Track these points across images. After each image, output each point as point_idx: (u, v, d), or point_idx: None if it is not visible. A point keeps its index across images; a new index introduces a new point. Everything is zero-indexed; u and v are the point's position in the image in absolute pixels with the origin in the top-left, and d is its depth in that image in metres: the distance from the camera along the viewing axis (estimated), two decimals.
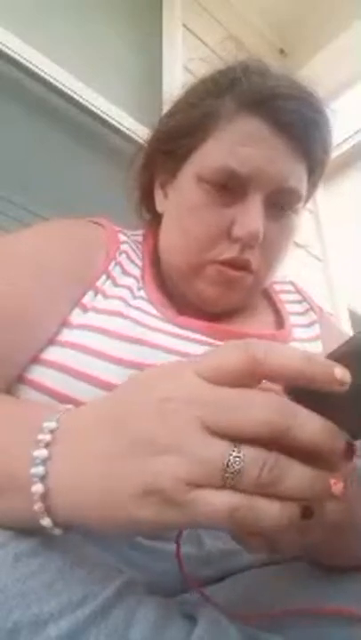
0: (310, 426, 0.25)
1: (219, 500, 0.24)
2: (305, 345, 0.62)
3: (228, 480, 0.24)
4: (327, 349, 0.63)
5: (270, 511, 0.24)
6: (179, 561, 0.37)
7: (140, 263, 0.62)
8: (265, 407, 0.24)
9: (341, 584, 0.35)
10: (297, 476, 0.24)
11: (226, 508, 0.24)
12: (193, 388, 0.26)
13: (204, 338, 0.54)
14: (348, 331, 1.69)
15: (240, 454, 0.24)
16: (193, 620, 0.31)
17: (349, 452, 0.26)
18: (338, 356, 0.26)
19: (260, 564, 0.44)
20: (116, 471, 0.26)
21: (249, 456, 0.24)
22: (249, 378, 0.25)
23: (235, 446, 0.24)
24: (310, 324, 0.66)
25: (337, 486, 0.25)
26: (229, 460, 0.24)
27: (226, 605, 0.34)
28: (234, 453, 0.24)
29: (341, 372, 0.25)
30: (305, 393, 0.26)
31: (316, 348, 0.62)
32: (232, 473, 0.24)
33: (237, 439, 0.24)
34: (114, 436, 0.27)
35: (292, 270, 0.74)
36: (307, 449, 0.25)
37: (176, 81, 1.51)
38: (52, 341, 0.49)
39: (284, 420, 0.24)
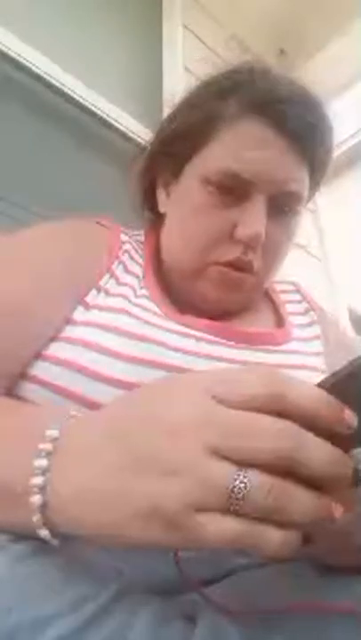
0: (319, 456, 0.24)
1: (223, 526, 0.23)
2: (304, 344, 0.62)
3: (233, 505, 0.23)
4: (330, 350, 0.63)
5: (273, 539, 0.24)
6: (178, 562, 0.36)
7: (141, 262, 0.62)
8: (276, 435, 0.24)
9: (342, 583, 0.35)
10: (302, 503, 0.24)
11: (230, 535, 0.23)
12: (205, 408, 0.25)
13: (208, 336, 0.55)
14: (349, 331, 1.68)
15: (246, 480, 0.23)
16: (193, 621, 0.31)
17: (355, 479, 0.26)
18: (339, 379, 0.26)
19: (259, 563, 0.44)
20: (118, 489, 0.25)
21: (255, 482, 0.23)
22: (267, 409, 0.25)
23: (241, 471, 0.24)
24: (310, 324, 0.66)
25: (338, 510, 0.25)
26: (235, 485, 0.23)
27: (225, 605, 0.34)
28: (240, 478, 0.23)
29: (349, 416, 0.25)
30: None
31: (316, 348, 0.63)
32: (237, 498, 0.23)
33: (245, 464, 0.24)
34: (118, 452, 0.26)
35: (292, 270, 0.74)
36: (314, 477, 0.24)
37: (176, 81, 1.51)
38: (55, 338, 0.49)
39: (294, 450, 0.24)
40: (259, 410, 0.25)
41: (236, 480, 0.23)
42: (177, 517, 0.24)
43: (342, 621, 0.32)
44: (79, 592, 0.28)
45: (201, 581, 0.40)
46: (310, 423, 0.25)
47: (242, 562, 0.44)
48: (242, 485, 0.23)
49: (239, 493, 0.23)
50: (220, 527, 0.23)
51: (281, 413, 0.25)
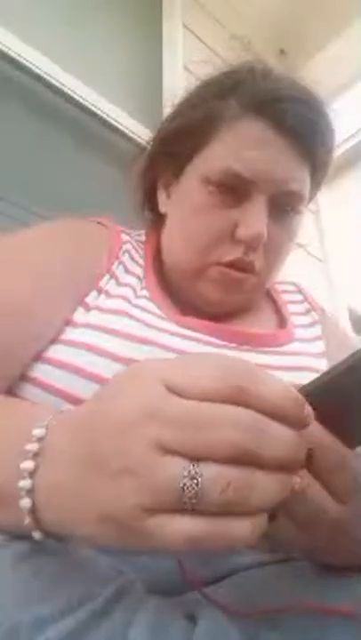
0: (280, 445, 0.23)
1: (180, 528, 0.22)
2: (307, 345, 0.62)
3: (187, 504, 0.22)
4: (330, 350, 0.63)
5: (239, 530, 0.22)
6: (179, 561, 0.36)
7: (141, 262, 0.62)
8: (232, 426, 0.22)
9: (342, 584, 0.35)
10: (265, 489, 0.23)
11: (184, 536, 0.22)
12: (152, 398, 0.23)
13: (208, 338, 0.55)
14: (349, 331, 1.68)
15: (197, 476, 0.22)
16: (193, 621, 0.31)
17: (310, 458, 0.25)
18: (339, 372, 0.26)
19: (260, 563, 0.44)
20: (79, 492, 0.25)
21: (208, 476, 0.22)
22: (225, 401, 0.23)
23: (192, 466, 0.22)
24: (311, 325, 0.66)
25: (297, 482, 0.24)
26: (185, 483, 0.21)
27: (226, 605, 0.34)
28: (190, 474, 0.22)
29: (309, 415, 0.24)
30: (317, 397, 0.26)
31: (319, 348, 0.63)
32: (189, 497, 0.21)
33: (201, 459, 0.22)
34: (78, 452, 0.25)
35: (293, 270, 0.74)
36: (273, 463, 0.23)
37: (176, 81, 1.51)
38: (55, 340, 0.49)
39: (252, 442, 0.22)
40: (217, 402, 0.23)
41: (185, 477, 0.22)
42: (128, 522, 0.23)
43: (342, 622, 0.32)
44: (79, 592, 0.28)
45: (203, 581, 0.40)
46: (274, 418, 0.23)
47: (243, 562, 0.44)
48: (193, 482, 0.21)
49: (191, 491, 0.21)
50: (177, 529, 0.22)
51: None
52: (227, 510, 0.22)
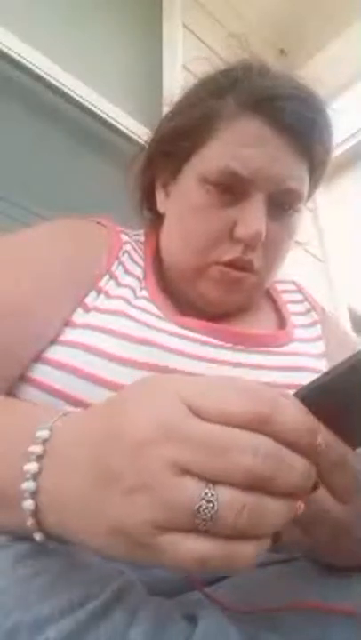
0: (293, 473, 0.23)
1: (187, 548, 0.22)
2: (306, 345, 0.62)
3: (200, 525, 0.22)
4: (330, 350, 0.63)
5: (246, 554, 0.22)
6: None
7: (141, 263, 0.62)
8: (252, 454, 0.22)
9: (342, 584, 0.35)
10: (274, 514, 0.23)
11: (195, 557, 0.22)
12: (173, 418, 0.23)
13: (207, 338, 0.55)
14: (349, 331, 1.68)
15: (214, 499, 0.22)
16: (193, 621, 0.31)
17: (316, 486, 0.26)
18: (340, 373, 0.26)
19: (260, 563, 0.44)
20: (89, 504, 0.25)
21: (224, 500, 0.22)
22: (246, 427, 0.23)
23: (208, 489, 0.22)
24: (312, 325, 0.66)
25: (300, 508, 0.25)
26: (201, 505, 0.22)
27: (226, 604, 0.34)
28: (207, 497, 0.22)
29: (321, 441, 0.24)
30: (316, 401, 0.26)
31: (320, 349, 0.62)
32: (204, 519, 0.22)
33: (217, 482, 0.22)
34: (91, 464, 0.25)
35: (293, 270, 0.74)
36: (284, 490, 0.23)
37: (176, 81, 1.51)
38: (54, 341, 0.49)
39: (269, 470, 0.22)
40: (237, 426, 0.23)
41: (202, 499, 0.22)
42: (139, 538, 0.23)
43: (342, 622, 0.32)
44: (80, 592, 0.28)
45: (203, 581, 0.40)
46: (290, 446, 0.24)
47: None
48: (209, 505, 0.22)
49: (206, 513, 0.22)
50: (190, 549, 0.22)
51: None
52: (238, 534, 0.22)
